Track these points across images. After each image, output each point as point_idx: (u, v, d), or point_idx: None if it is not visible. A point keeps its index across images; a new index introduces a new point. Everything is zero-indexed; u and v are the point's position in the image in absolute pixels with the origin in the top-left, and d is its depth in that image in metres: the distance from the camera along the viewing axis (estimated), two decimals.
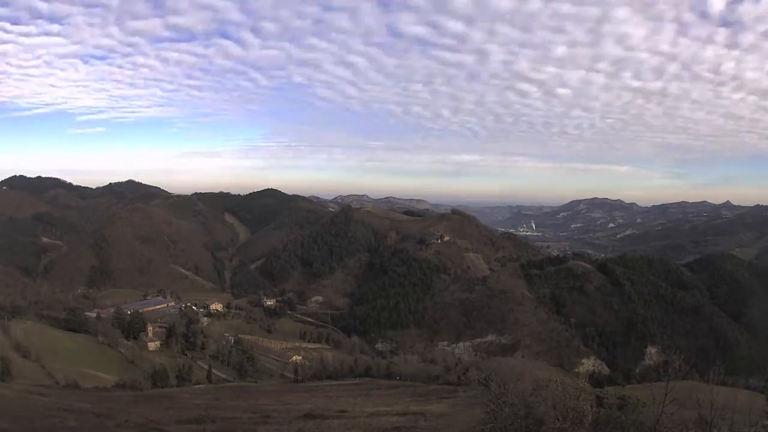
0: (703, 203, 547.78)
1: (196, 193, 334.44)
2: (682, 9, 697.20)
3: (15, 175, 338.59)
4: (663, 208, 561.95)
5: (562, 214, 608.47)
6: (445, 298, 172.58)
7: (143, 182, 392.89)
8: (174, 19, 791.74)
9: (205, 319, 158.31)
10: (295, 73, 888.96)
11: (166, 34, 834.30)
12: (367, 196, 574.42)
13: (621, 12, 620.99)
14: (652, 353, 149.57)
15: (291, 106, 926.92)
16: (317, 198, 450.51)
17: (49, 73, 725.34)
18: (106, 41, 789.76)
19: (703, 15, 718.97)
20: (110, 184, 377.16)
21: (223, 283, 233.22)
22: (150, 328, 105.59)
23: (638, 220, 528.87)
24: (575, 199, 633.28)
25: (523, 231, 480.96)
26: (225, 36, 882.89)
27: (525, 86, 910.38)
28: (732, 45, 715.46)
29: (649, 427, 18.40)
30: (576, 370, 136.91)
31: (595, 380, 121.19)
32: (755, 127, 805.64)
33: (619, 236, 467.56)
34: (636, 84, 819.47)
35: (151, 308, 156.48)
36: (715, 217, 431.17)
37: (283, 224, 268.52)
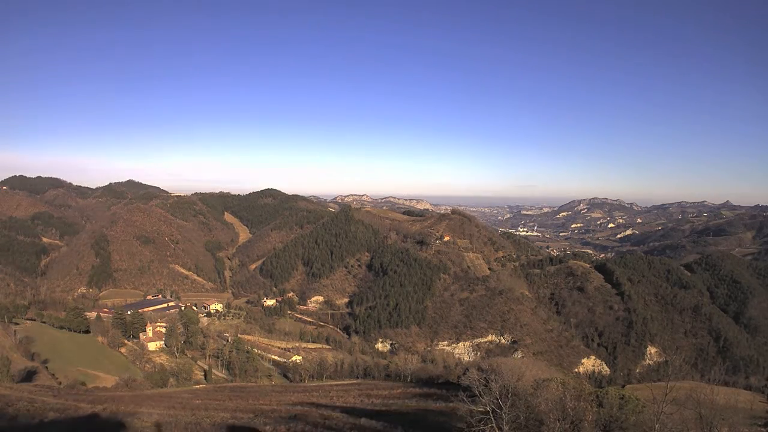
0: (703, 203, 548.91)
1: (196, 193, 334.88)
2: None
3: (15, 175, 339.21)
4: (663, 208, 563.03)
5: (562, 214, 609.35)
6: (445, 298, 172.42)
7: (143, 182, 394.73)
8: None
9: (205, 319, 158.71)
10: None
11: None
12: (367, 196, 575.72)
13: None
14: (652, 353, 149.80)
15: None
16: (317, 198, 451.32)
17: None
18: None
19: None
20: (110, 184, 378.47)
21: (223, 283, 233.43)
22: (150, 328, 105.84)
23: (638, 220, 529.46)
24: (575, 199, 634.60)
25: (523, 231, 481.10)
26: None
27: None
28: None
29: (649, 427, 18.49)
30: (576, 370, 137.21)
31: (595, 380, 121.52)
32: None
33: (619, 236, 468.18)
34: None
35: (151, 308, 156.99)
36: (714, 217, 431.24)
37: (283, 224, 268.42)
